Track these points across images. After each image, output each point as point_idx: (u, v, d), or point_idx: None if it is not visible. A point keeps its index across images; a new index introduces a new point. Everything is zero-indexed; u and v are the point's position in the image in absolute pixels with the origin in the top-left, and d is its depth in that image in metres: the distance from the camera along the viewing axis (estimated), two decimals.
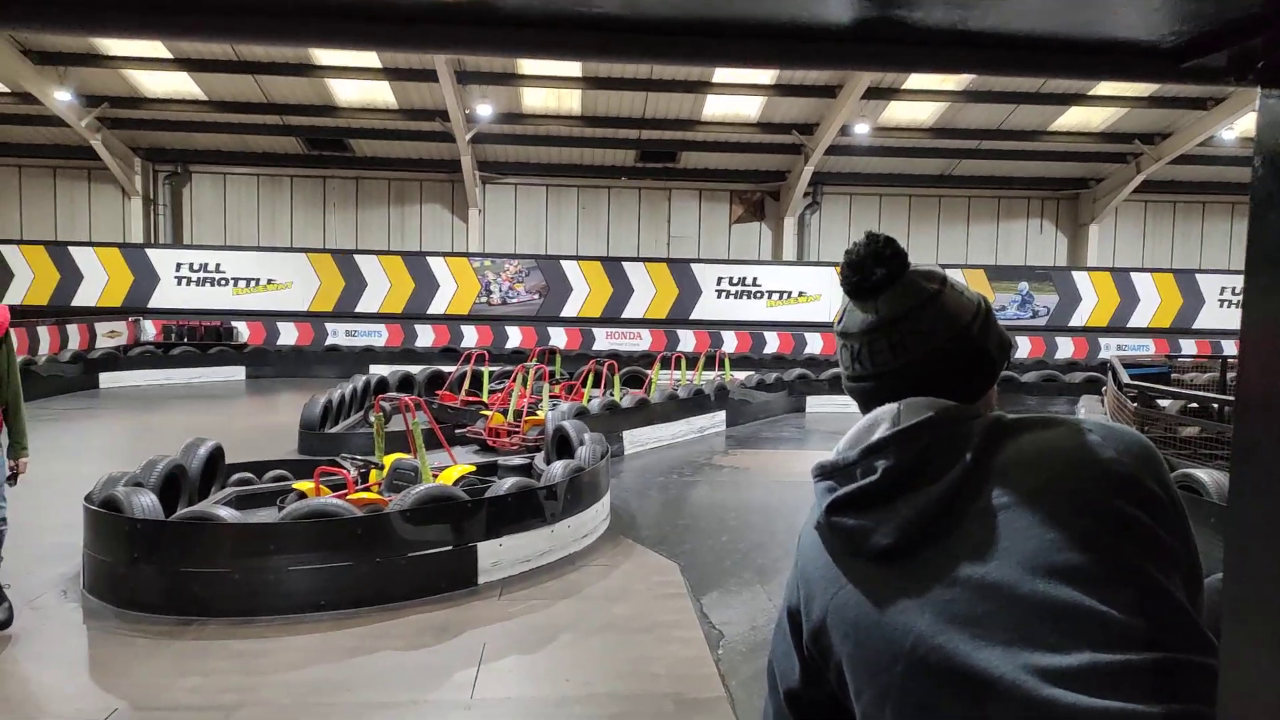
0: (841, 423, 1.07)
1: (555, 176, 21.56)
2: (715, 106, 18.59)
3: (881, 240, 1.04)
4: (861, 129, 18.74)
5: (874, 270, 1.03)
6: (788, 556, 6.29)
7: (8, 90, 17.21)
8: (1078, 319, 21.11)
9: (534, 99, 18.28)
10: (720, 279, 20.73)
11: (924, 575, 0.89)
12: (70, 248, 19.15)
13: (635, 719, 3.92)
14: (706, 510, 7.97)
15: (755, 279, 20.81)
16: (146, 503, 5.21)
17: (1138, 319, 21.19)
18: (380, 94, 18.01)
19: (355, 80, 17.29)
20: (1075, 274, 21.34)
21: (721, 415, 12.29)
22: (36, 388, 13.51)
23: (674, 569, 6.02)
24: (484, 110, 17.84)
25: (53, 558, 5.74)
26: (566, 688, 4.21)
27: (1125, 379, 9.32)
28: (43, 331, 15.52)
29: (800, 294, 20.78)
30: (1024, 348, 20.83)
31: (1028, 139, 19.84)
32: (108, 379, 15.48)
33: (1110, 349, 19.88)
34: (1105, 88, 17.32)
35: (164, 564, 5.00)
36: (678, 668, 4.45)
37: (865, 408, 1.06)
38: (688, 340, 20.20)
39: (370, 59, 16.53)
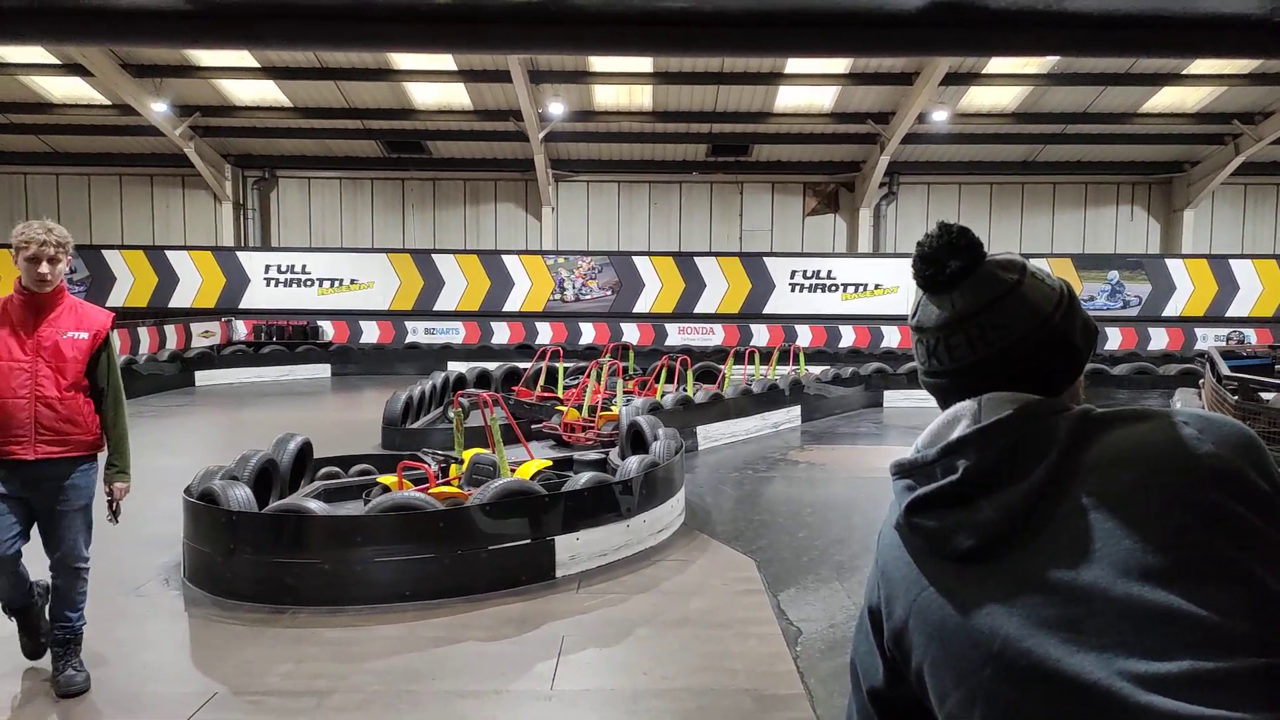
0: (921, 418, 1.05)
1: (627, 173, 21.64)
2: (788, 98, 18.38)
3: (955, 230, 1.01)
4: (940, 116, 18.28)
5: (948, 262, 1.00)
6: (867, 553, 6.20)
7: (109, 103, 18.13)
8: (1172, 309, 20.19)
9: (605, 96, 18.38)
10: (794, 272, 20.50)
11: (1010, 578, 0.86)
12: (167, 252, 20.09)
13: (714, 714, 3.92)
14: (782, 506, 7.91)
15: (830, 272, 20.52)
16: (241, 495, 5.43)
17: (1237, 308, 20.15)
18: (456, 96, 18.36)
19: (432, 83, 17.66)
20: (1169, 261, 20.41)
21: (796, 410, 12.17)
22: (137, 386, 14.22)
23: (750, 565, 5.99)
24: (556, 109, 18.01)
25: (156, 547, 6.04)
26: (644, 681, 4.23)
27: (1225, 371, 8.87)
28: (143, 332, 16.31)
29: (876, 286, 20.41)
30: (1114, 339, 20.03)
31: (1117, 122, 19.04)
32: (203, 377, 16.19)
33: (1207, 339, 18.96)
34: (1201, 65, 16.49)
35: (258, 554, 5.21)
36: (756, 664, 4.43)
37: (944, 403, 1.03)
38: (761, 335, 20.05)
39: (446, 62, 16.85)
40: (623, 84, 17.66)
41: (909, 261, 1.06)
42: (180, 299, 19.88)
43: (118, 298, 19.78)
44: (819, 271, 20.54)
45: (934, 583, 0.92)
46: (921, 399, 12.58)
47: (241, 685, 4.18)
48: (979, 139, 19.90)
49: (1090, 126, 19.24)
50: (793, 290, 20.50)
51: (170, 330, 17.25)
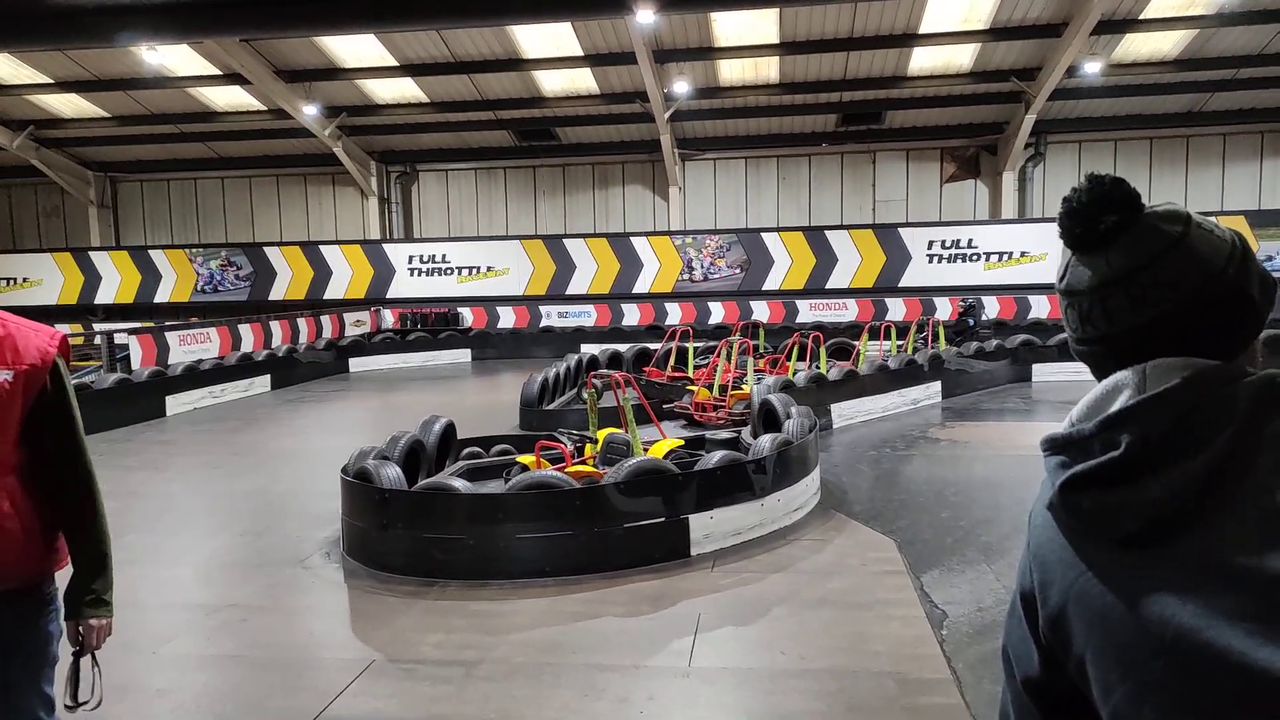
0: (1074, 392, 0.97)
1: (754, 148, 21.33)
2: (923, 59, 17.58)
3: (1108, 181, 0.93)
4: (1092, 68, 17.03)
5: (1102, 217, 0.92)
6: (1017, 534, 5.91)
7: (265, 108, 19.39)
8: None
9: (731, 71, 18.14)
10: (931, 242, 19.68)
11: (1183, 563, 0.79)
12: (320, 246, 21.37)
13: (855, 696, 3.84)
14: (923, 485, 7.64)
15: (971, 240, 19.58)
16: (392, 474, 5.73)
17: None
18: (582, 81, 18.57)
19: (559, 70, 17.93)
20: None
21: (937, 386, 11.71)
22: (298, 373, 15.28)
23: (890, 545, 5.82)
24: (681, 87, 17.93)
25: (319, 522, 6.46)
26: (783, 661, 4.20)
27: None
28: (301, 323, 17.44)
29: (1022, 254, 19.33)
30: None
31: None
32: (356, 363, 17.19)
33: None
34: None
35: (408, 530, 5.48)
36: (899, 647, 4.31)
37: (1100, 373, 0.95)
38: (897, 309, 19.39)
39: (573, 48, 17.06)
40: (748, 57, 17.37)
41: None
42: (334, 290, 21.13)
43: (278, 291, 21.23)
44: (959, 241, 19.63)
45: (1093, 567, 0.85)
46: (1075, 372, 11.85)
47: (396, 654, 4.42)
48: (1136, 90, 18.41)
49: (1267, 69, 17.44)
50: (931, 261, 19.69)
51: (326, 320, 18.37)
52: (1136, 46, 17.04)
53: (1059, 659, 0.90)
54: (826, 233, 20.05)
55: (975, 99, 19.01)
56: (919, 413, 10.96)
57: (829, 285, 19.92)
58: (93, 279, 21.55)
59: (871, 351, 12.93)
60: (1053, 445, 0.91)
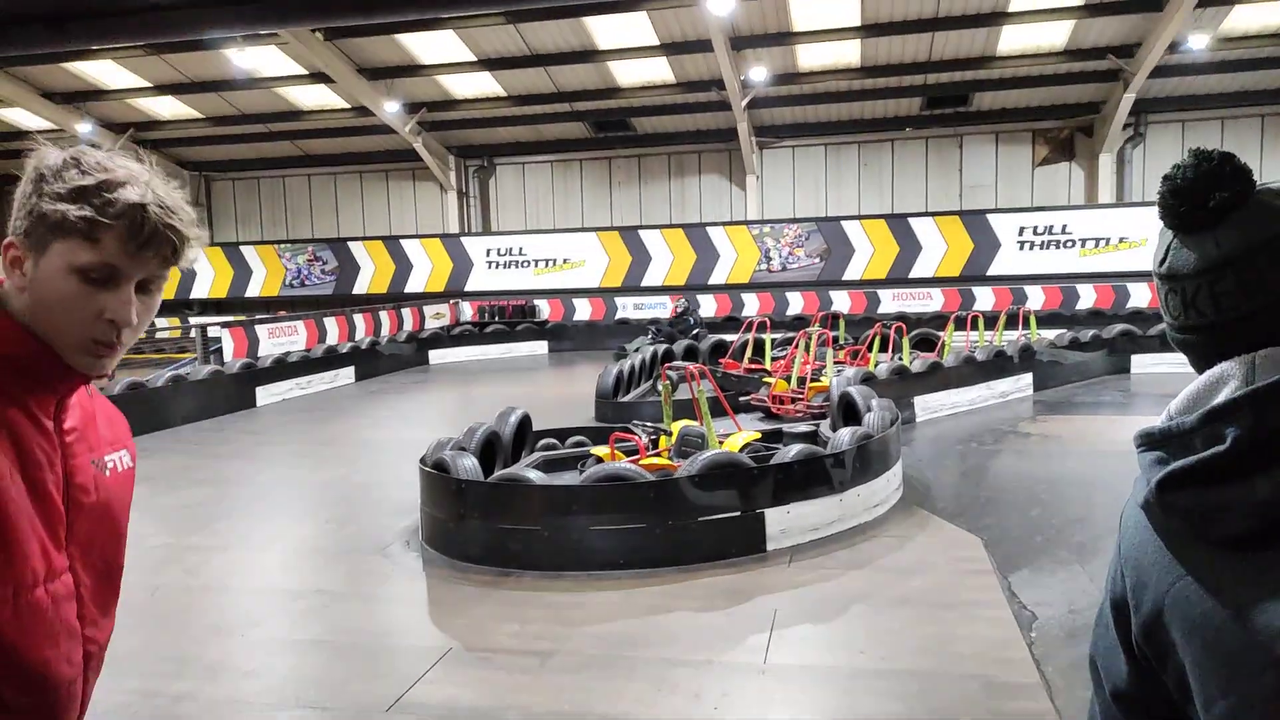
0: (1175, 384, 0.88)
1: (834, 135, 20.90)
2: (1013, 39, 16.90)
3: (1216, 157, 0.85)
4: (1197, 43, 16.10)
5: (1210, 195, 0.84)
6: (1112, 534, 5.56)
7: (349, 106, 19.91)
8: None
9: (810, 56, 17.78)
10: (1022, 229, 18.96)
11: None
12: (402, 241, 21.87)
13: (938, 699, 3.69)
14: (1012, 481, 7.34)
15: (1065, 226, 18.78)
16: (468, 465, 5.78)
17: None
18: (658, 71, 18.48)
19: (635, 60, 17.88)
20: None
21: (1028, 378, 11.26)
22: (380, 365, 15.67)
23: (976, 543, 5.60)
24: (758, 74, 17.67)
25: (399, 511, 6.58)
26: (862, 660, 4.07)
27: None
28: (383, 316, 17.88)
29: (1121, 240, 18.44)
30: None
31: None
32: (435, 355, 17.53)
33: None
34: None
35: (484, 520, 5.52)
36: (985, 649, 4.13)
37: (1202, 363, 0.88)
38: (985, 298, 18.74)
39: (649, 37, 16.99)
40: (828, 41, 17.00)
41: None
42: (414, 284, 21.60)
43: (362, 285, 21.81)
44: (1052, 226, 18.86)
45: (1193, 571, 0.79)
46: (1178, 364, 11.22)
47: (473, 642, 4.45)
48: (1246, 65, 17.34)
49: None
50: (1021, 248, 18.97)
51: (406, 313, 18.79)
52: (1245, 19, 16.03)
53: (1153, 669, 0.85)
54: (910, 220, 19.52)
55: (1069, 78, 18.20)
56: (1008, 406, 10.56)
57: (912, 274, 19.39)
58: (188, 274, 22.51)
59: (958, 342, 12.52)
60: (1149, 440, 0.85)
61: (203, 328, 14.01)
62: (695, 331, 13.73)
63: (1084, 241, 18.69)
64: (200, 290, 22.51)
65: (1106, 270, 18.51)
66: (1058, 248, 18.82)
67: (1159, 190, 0.89)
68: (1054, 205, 19.61)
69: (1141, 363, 12.57)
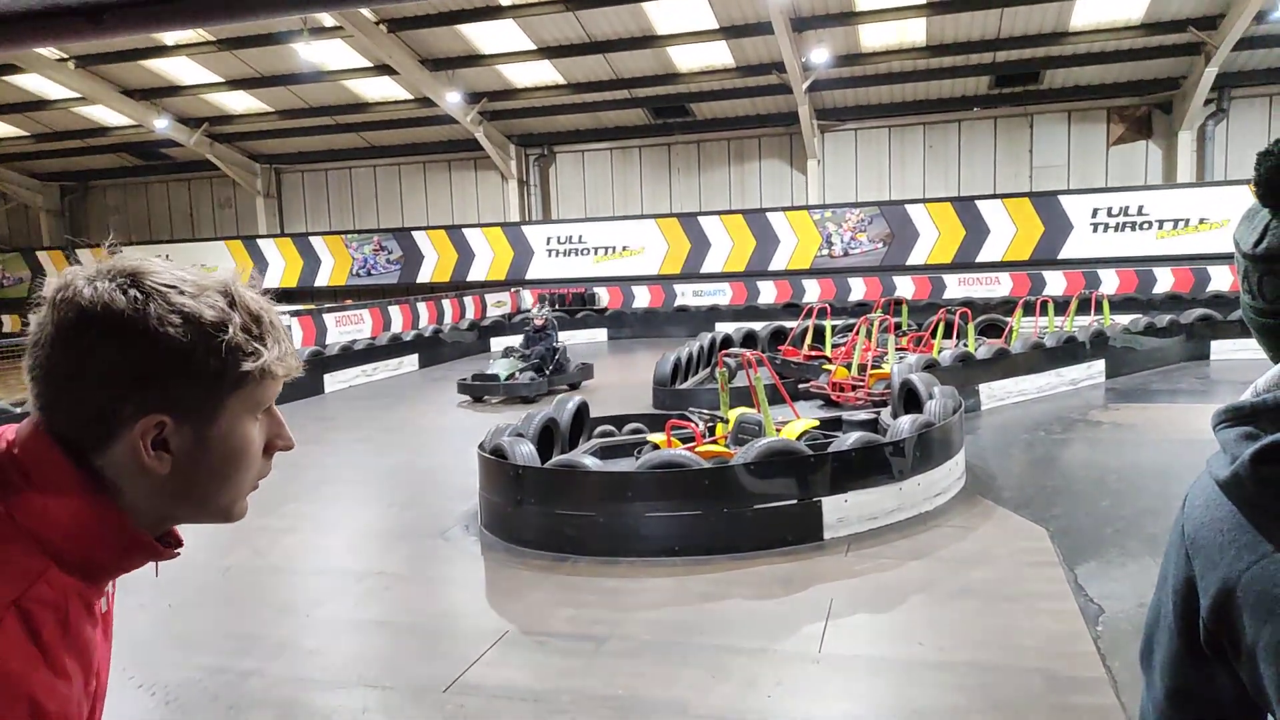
0: (1257, 371, 0.83)
1: (898, 116, 20.44)
2: (1086, 13, 16.27)
3: None
4: None
5: None
6: None
7: (412, 97, 20.21)
8: None
9: (873, 36, 17.41)
10: (1095, 210, 18.29)
11: None
12: (464, 230, 22.15)
13: (999, 692, 3.61)
14: (1081, 471, 7.12)
15: (1141, 207, 18.07)
16: (526, 451, 5.84)
17: None
18: (718, 55, 18.31)
19: (694, 45, 17.74)
20: None
21: (1100, 365, 10.89)
22: (444, 352, 15.93)
23: (1042, 534, 5.46)
24: (820, 56, 17.36)
25: (459, 496, 6.69)
26: (920, 652, 4.00)
27: None
28: (446, 304, 18.17)
29: (1201, 221, 17.66)
30: None
31: None
32: (497, 343, 17.71)
33: None
34: None
35: (541, 506, 5.58)
36: (1049, 642, 4.03)
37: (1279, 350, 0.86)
38: (1055, 282, 18.17)
39: (708, 20, 16.84)
40: (892, 20, 16.60)
41: (1245, 189, 0.84)
42: (476, 272, 21.88)
43: (425, 274, 22.18)
44: (1127, 208, 18.16)
45: None
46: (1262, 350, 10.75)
47: (529, 626, 4.51)
48: None
49: None
50: (1095, 231, 18.32)
51: (469, 301, 19.05)
52: None
53: (1216, 661, 0.83)
54: (977, 203, 19.00)
55: (1146, 53, 17.45)
56: (1079, 394, 10.23)
57: (979, 259, 18.90)
58: (261, 265, 23.19)
59: (1026, 328, 12.17)
60: (1237, 415, 0.83)
61: None
62: (556, 349, 11.69)
63: (1161, 223, 17.95)
64: (271, 280, 23.16)
65: (1185, 252, 17.75)
66: (1133, 230, 18.12)
67: (1258, 168, 0.86)
68: (1130, 185, 18.88)
69: (1221, 349, 12.04)
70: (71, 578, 0.80)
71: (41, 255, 24.68)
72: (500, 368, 11.30)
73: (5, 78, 19.01)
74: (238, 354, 0.81)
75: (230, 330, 0.81)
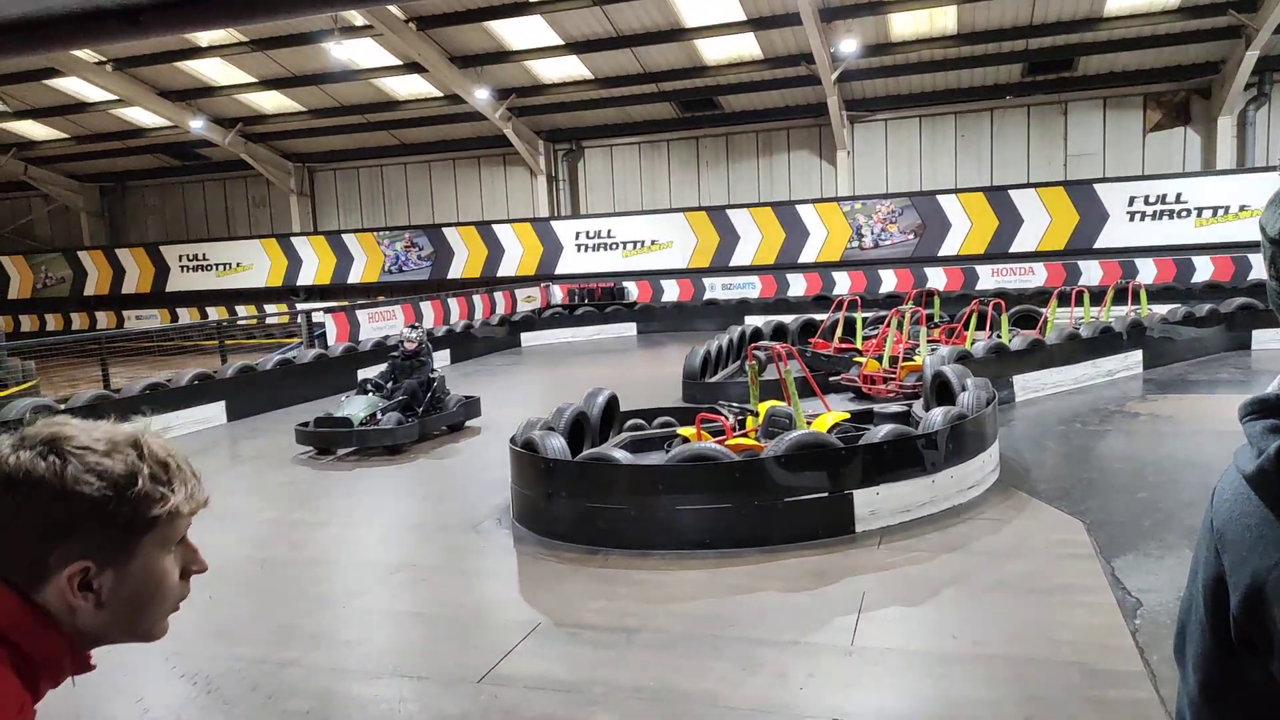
0: None
1: (929, 105, 20.19)
2: None
3: None
4: None
5: None
6: None
7: (441, 94, 20.34)
8: None
9: (903, 25, 17.21)
10: (1132, 199, 17.96)
11: None
12: (494, 226, 22.27)
13: (1034, 686, 3.58)
14: (1118, 463, 7.02)
15: (1179, 195, 17.71)
16: (556, 444, 5.88)
17: None
18: (745, 47, 18.21)
19: (721, 37, 17.66)
20: None
21: (1137, 356, 10.72)
22: (475, 347, 16.05)
23: (1078, 527, 5.39)
24: (849, 46, 17.19)
25: (492, 489, 6.75)
26: (953, 645, 3.98)
27: None
28: (477, 300, 18.29)
29: (1241, 208, 17.27)
30: None
31: None
32: (527, 338, 17.85)
33: None
34: None
35: (572, 499, 5.61)
36: (1086, 635, 3.98)
37: None
38: (1091, 273, 17.88)
39: (736, 13, 16.75)
40: (922, 8, 16.40)
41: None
42: (506, 268, 21.99)
43: (456, 270, 22.33)
44: (1165, 195, 17.81)
45: None
46: None
47: (561, 618, 4.54)
48: None
49: None
50: (1131, 219, 17.99)
51: (499, 297, 19.16)
52: None
53: (1248, 656, 0.80)
54: (1010, 192, 18.74)
55: (1184, 37, 17.08)
56: (1115, 385, 10.08)
57: (1013, 249, 18.64)
58: (295, 262, 23.50)
59: (1062, 319, 12.00)
60: (1263, 407, 0.81)
61: (308, 313, 14.62)
62: (431, 380, 8.92)
63: (1200, 210, 17.58)
64: (306, 277, 23.46)
65: (1225, 240, 17.37)
66: (1171, 218, 17.77)
67: None
68: (1167, 173, 18.50)
69: (1263, 338, 11.79)
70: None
71: (83, 255, 25.19)
72: (354, 408, 8.56)
73: (46, 81, 19.40)
74: (147, 502, 0.91)
75: (140, 482, 0.91)
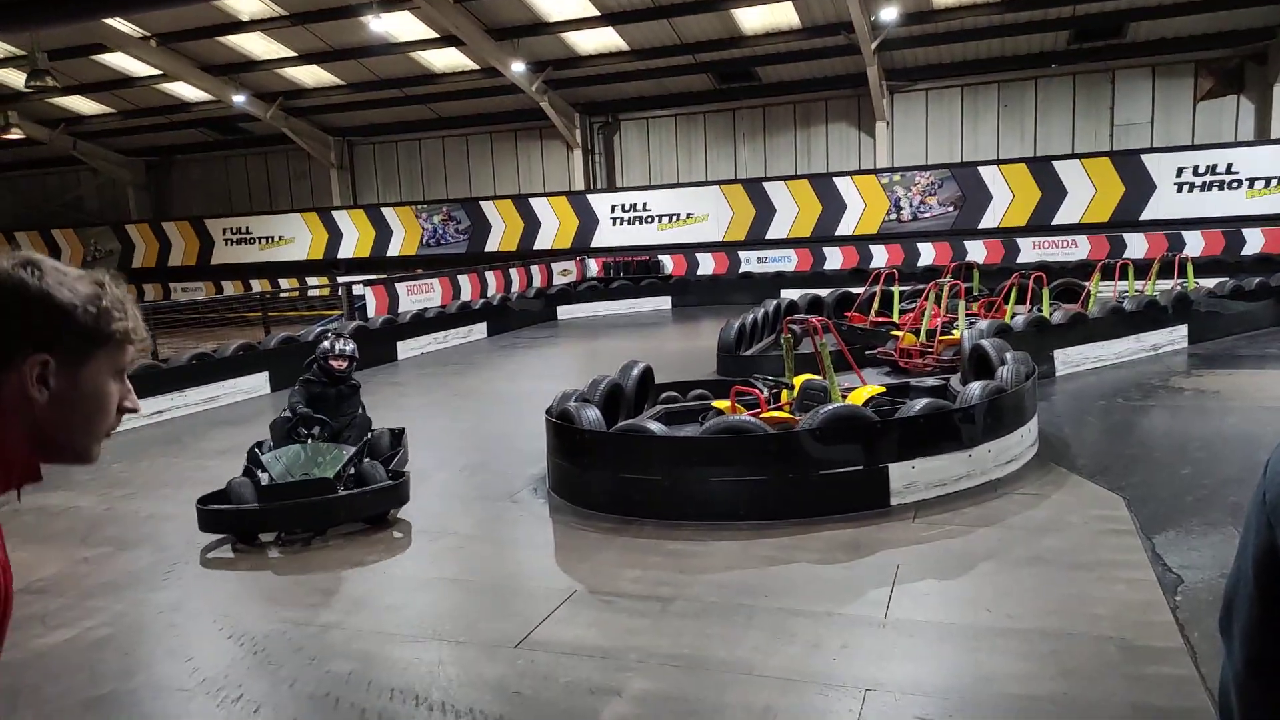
0: None
1: (971, 75, 19.75)
2: None
3: None
4: None
5: None
6: None
7: (478, 67, 20.33)
8: None
9: None
10: (1181, 169, 17.47)
11: None
12: (530, 199, 22.30)
13: (1070, 660, 3.57)
14: (1161, 439, 6.91)
15: (1230, 165, 17.18)
16: (592, 416, 5.93)
17: None
18: (783, 16, 17.94)
19: (759, 6, 17.40)
20: None
21: (1182, 330, 10.49)
22: (511, 320, 16.15)
23: (1118, 502, 5.33)
24: (889, 14, 16.85)
25: (528, 459, 6.83)
26: (988, 618, 3.97)
27: None
28: (514, 273, 18.38)
29: None
30: None
31: None
32: (563, 311, 17.91)
33: None
34: None
35: (607, 470, 5.67)
36: (1124, 611, 3.96)
37: None
38: (1137, 245, 17.45)
39: None
40: None
41: None
42: (542, 241, 22.04)
43: (493, 243, 22.43)
44: (1215, 166, 17.29)
45: None
46: None
47: (596, 585, 4.61)
48: None
49: None
50: (1180, 190, 17.51)
51: (535, 270, 19.24)
52: None
53: None
54: (1054, 163, 18.32)
55: (1239, 1, 16.49)
56: (1160, 359, 9.89)
57: (1056, 221, 18.26)
58: (335, 236, 23.76)
59: (1105, 292, 11.76)
60: None
61: (348, 286, 14.81)
62: (353, 384, 6.65)
63: (1252, 181, 17.05)
64: (346, 250, 23.72)
65: (1278, 212, 16.86)
66: (1221, 189, 17.26)
67: None
68: (1219, 142, 17.95)
69: None
70: None
71: (130, 228, 25.70)
72: (285, 462, 5.62)
73: (95, 57, 19.72)
74: (107, 317, 1.06)
75: (104, 301, 1.07)
